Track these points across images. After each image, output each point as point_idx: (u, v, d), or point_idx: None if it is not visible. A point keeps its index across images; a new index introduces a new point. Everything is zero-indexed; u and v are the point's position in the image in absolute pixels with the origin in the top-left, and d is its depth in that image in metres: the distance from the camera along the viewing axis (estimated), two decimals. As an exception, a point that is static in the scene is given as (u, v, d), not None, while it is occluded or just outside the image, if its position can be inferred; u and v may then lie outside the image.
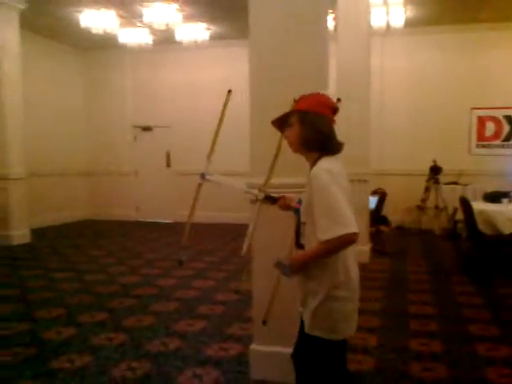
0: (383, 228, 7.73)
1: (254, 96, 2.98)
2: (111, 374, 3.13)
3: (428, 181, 8.89)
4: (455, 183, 8.81)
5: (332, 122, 2.10)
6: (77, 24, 8.31)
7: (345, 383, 2.13)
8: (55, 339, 3.77)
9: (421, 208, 9.06)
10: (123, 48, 9.90)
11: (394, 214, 8.87)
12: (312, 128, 2.03)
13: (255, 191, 2.55)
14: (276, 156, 2.71)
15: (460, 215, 6.57)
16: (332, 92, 3.23)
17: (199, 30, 8.93)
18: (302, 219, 2.06)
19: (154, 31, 8.78)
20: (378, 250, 7.08)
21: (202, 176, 2.79)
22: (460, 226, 7.41)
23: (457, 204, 6.75)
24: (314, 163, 2.04)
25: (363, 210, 6.48)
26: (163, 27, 7.88)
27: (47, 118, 10.18)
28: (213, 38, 9.46)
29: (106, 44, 10.37)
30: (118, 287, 5.34)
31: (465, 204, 5.93)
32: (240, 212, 9.18)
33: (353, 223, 1.83)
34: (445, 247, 7.71)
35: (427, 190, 8.94)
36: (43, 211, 9.83)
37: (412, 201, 9.20)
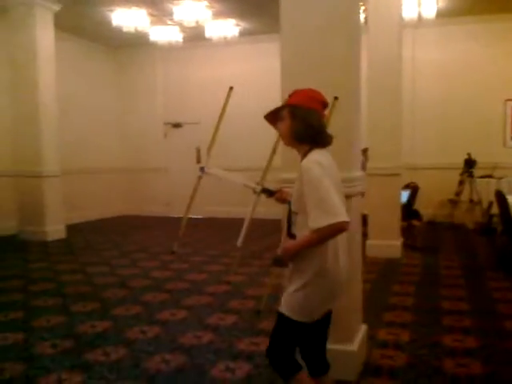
0: (415, 222, 7.63)
1: (285, 92, 2.97)
2: (146, 367, 3.19)
3: (462, 174, 8.72)
4: (490, 176, 8.61)
5: (322, 116, 2.18)
6: (109, 23, 8.46)
7: (296, 363, 2.19)
8: (90, 332, 3.87)
9: (453, 202, 8.90)
10: (154, 46, 10.03)
11: (426, 208, 8.75)
12: (302, 122, 2.11)
13: (253, 184, 2.63)
14: (273, 151, 2.78)
15: (495, 209, 6.43)
16: (363, 85, 3.21)
17: (228, 26, 8.97)
18: (293, 209, 2.14)
19: (184, 28, 8.86)
20: (409, 245, 6.99)
21: (202, 169, 2.87)
22: (495, 220, 7.25)
23: (491, 198, 6.61)
24: (304, 156, 2.13)
25: (395, 204, 6.42)
26: (193, 24, 7.95)
27: (81, 116, 10.40)
28: (242, 34, 9.48)
29: (137, 42, 10.52)
30: (151, 281, 5.43)
31: (500, 198, 5.80)
32: (271, 207, 9.20)
33: (343, 212, 1.93)
34: (479, 242, 7.55)
35: (461, 183, 8.77)
36: (78, 207, 10.07)
37: (444, 195, 9.05)
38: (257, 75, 10.42)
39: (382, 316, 4.16)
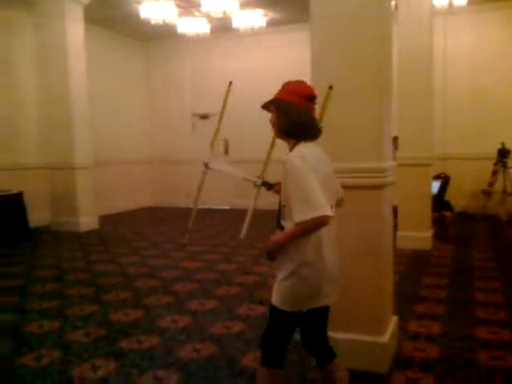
0: (446, 213, 7.49)
1: (315, 81, 2.95)
2: (177, 355, 3.24)
3: (496, 164, 8.52)
4: (524, 167, 8.39)
5: (307, 109, 2.17)
6: (137, 15, 8.51)
7: (283, 354, 2.25)
8: (123, 321, 3.94)
9: (486, 193, 8.70)
10: (182, 38, 10.06)
11: (458, 199, 8.57)
12: (285, 116, 2.16)
13: (254, 178, 2.66)
14: (272, 145, 2.80)
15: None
16: (394, 74, 3.15)
17: (256, 16, 8.92)
18: (282, 202, 2.17)
19: (211, 19, 8.85)
20: (440, 236, 6.88)
21: (206, 166, 2.92)
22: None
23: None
24: (291, 149, 2.16)
25: (425, 195, 6.32)
26: (220, 15, 7.93)
27: (111, 108, 10.54)
28: (269, 24, 9.42)
29: (165, 34, 10.58)
30: (181, 272, 5.50)
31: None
32: None
33: (324, 206, 1.95)
34: (513, 233, 7.39)
35: (494, 173, 8.57)
36: (108, 199, 10.23)
37: (477, 185, 8.86)
38: (284, 65, 10.35)
39: (412, 308, 4.11)
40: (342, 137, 2.84)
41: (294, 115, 2.14)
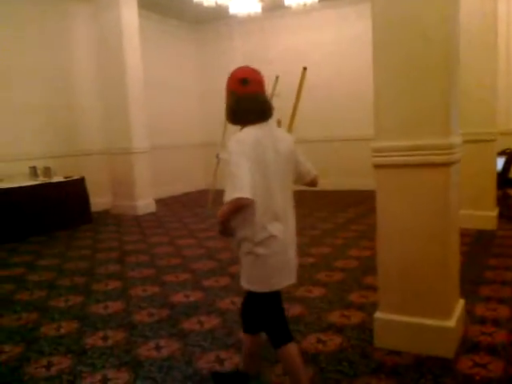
0: (511, 191, 7.15)
1: (378, 56, 2.82)
2: (238, 337, 3.26)
3: None
4: None
5: (245, 94, 2.24)
6: (189, -1, 8.52)
7: (277, 329, 2.35)
8: (184, 302, 4.02)
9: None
10: (233, 19, 10.01)
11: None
12: (227, 104, 2.32)
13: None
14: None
15: None
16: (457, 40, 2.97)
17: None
18: None
19: (262, -2, 8.73)
20: (505, 215, 6.57)
21: (217, 156, 2.97)
22: None
23: None
24: None
25: (489, 172, 6.03)
26: (272, -7, 7.79)
27: (164, 92, 10.67)
28: (321, -1, 9.19)
29: (216, 16, 10.56)
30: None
31: None
32: (366, 178, 9.09)
33: (244, 189, 2.05)
34: None
35: None
36: (164, 182, 10.44)
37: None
38: (338, 43, 10.13)
39: (478, 291, 3.96)
40: (406, 113, 2.72)
41: (233, 103, 2.27)
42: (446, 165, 2.67)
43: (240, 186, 2.05)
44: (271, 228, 2.19)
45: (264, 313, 2.37)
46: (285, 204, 2.26)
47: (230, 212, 2.14)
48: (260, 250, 2.19)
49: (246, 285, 2.31)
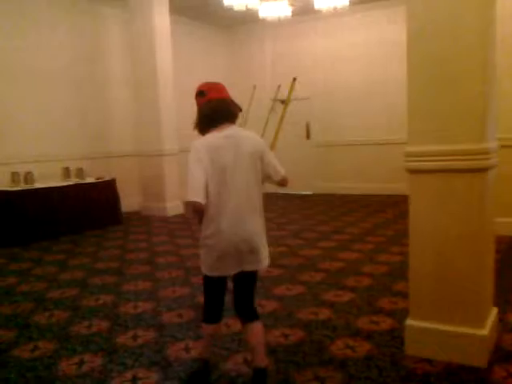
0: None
1: (412, 60, 2.78)
2: (268, 340, 3.26)
3: None
4: None
5: (205, 103, 2.56)
6: (219, 2, 8.58)
7: (216, 310, 2.71)
8: (213, 304, 4.03)
9: None
10: (263, 23, 10.04)
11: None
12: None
13: None
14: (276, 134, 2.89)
15: None
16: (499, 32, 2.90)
17: (338, -5, 8.66)
18: None
19: (292, 2, 8.74)
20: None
21: None
22: None
23: None
24: None
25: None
26: (302, -3, 7.79)
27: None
28: (353, 3, 9.13)
29: (247, 20, 10.63)
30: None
31: None
32: (395, 183, 9.02)
33: (195, 193, 2.34)
34: None
35: None
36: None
37: None
38: (368, 46, 10.06)
39: (511, 299, 3.87)
40: (441, 117, 2.68)
41: (197, 114, 2.59)
42: (482, 170, 2.62)
43: (191, 190, 2.35)
44: (221, 224, 2.42)
45: (207, 292, 2.68)
46: (246, 200, 2.46)
47: (189, 211, 2.45)
48: (208, 242, 2.48)
49: (202, 269, 2.60)
